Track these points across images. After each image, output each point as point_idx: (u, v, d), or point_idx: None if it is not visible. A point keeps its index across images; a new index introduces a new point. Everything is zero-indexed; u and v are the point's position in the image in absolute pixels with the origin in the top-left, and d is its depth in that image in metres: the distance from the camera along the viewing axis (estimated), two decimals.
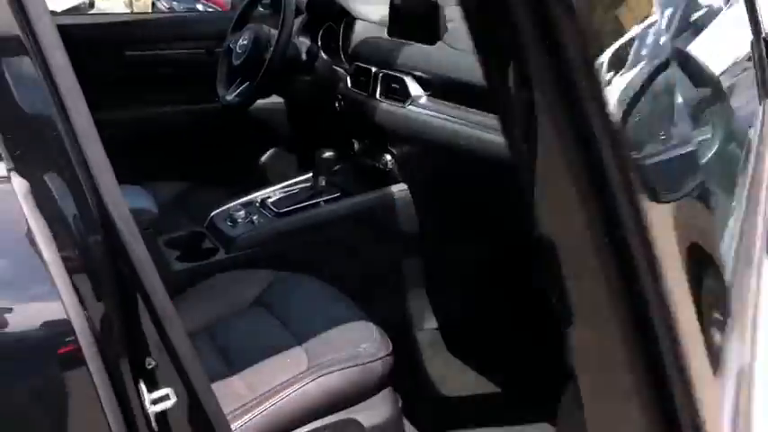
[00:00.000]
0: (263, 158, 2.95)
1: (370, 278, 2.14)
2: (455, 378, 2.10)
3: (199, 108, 2.77)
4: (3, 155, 1.04)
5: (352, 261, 2.07)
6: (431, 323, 2.27)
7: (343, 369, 1.44)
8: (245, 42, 2.29)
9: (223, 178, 2.83)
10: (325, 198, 2.10)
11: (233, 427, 1.31)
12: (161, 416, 0.94)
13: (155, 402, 0.94)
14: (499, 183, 1.78)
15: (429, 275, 2.23)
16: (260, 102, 2.86)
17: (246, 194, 2.17)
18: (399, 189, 2.11)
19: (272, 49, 2.15)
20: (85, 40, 2.57)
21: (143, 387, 0.93)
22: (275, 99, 2.78)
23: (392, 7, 2.09)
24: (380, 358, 1.48)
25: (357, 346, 1.50)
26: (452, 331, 2.26)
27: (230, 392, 1.42)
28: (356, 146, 2.25)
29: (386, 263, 2.16)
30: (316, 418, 1.40)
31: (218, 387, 1.43)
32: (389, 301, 2.19)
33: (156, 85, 2.73)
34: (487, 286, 2.32)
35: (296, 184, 2.18)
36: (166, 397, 0.94)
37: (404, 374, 2.03)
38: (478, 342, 2.23)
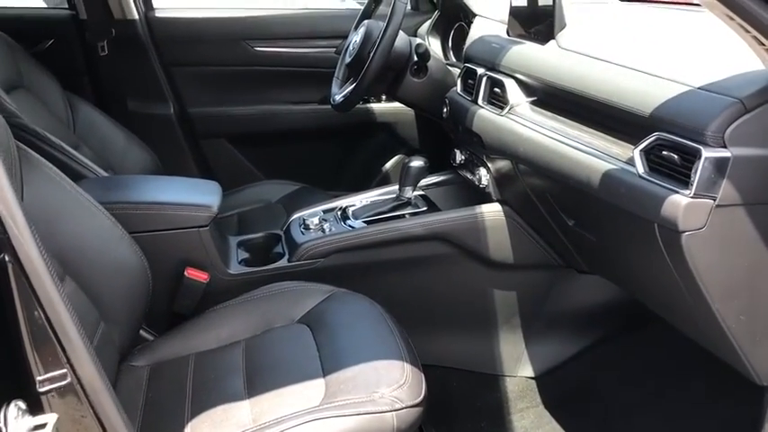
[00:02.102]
0: (388, 165, 2.81)
1: (449, 307, 1.89)
2: None
3: (325, 109, 2.68)
4: None
5: (426, 283, 1.83)
6: (525, 370, 1.95)
7: (349, 415, 1.23)
8: (357, 39, 2.14)
9: (343, 183, 2.73)
10: (409, 211, 1.88)
11: None
12: None
13: (32, 430, 0.80)
14: (598, 214, 1.47)
15: (526, 313, 1.91)
16: (388, 105, 2.74)
17: (333, 200, 2.02)
18: (493, 210, 1.82)
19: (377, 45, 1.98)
20: (213, 34, 2.59)
21: (18, 408, 0.80)
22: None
23: (511, 1, 1.81)
24: (399, 409, 1.25)
25: (378, 388, 1.28)
26: (550, 384, 1.93)
27: (231, 417, 1.31)
28: (458, 156, 1.99)
29: (471, 292, 1.88)
30: None
31: (225, 410, 1.34)
32: (472, 339, 1.91)
33: (284, 83, 2.69)
34: (600, 335, 1.95)
35: (383, 194, 1.98)
36: (42, 426, 0.80)
37: (484, 427, 1.79)
38: (580, 401, 1.87)
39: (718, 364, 1.47)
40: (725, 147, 1.06)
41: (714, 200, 1.07)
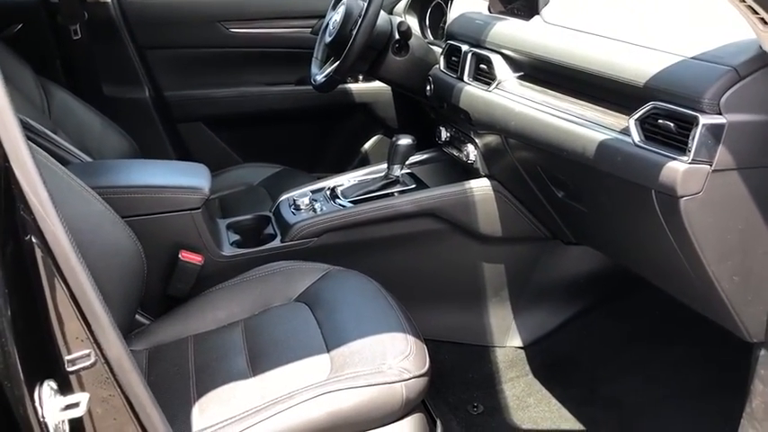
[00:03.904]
0: (367, 145, 2.82)
1: (441, 281, 1.92)
2: (534, 406, 1.82)
3: (303, 90, 2.67)
4: None
5: (418, 259, 1.85)
6: (514, 340, 2.00)
7: (360, 386, 1.25)
8: (337, 18, 2.13)
9: (323, 164, 2.73)
10: (398, 189, 1.90)
11: None
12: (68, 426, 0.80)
13: (65, 409, 0.80)
14: (592, 185, 1.51)
15: (515, 285, 1.95)
16: (366, 85, 2.74)
17: (320, 180, 2.02)
18: (482, 185, 1.85)
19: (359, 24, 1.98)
20: (187, 16, 2.56)
21: (50, 388, 0.79)
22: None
23: None
24: (408, 379, 1.27)
25: (385, 359, 1.30)
26: (539, 353, 1.98)
27: (239, 395, 1.31)
28: (443, 134, 2.02)
29: (461, 266, 1.91)
30: None
31: (232, 388, 1.34)
32: (464, 310, 1.95)
33: (260, 64, 2.67)
34: (586, 304, 2.01)
35: (371, 173, 2.00)
36: (75, 405, 0.80)
37: (477, 396, 1.83)
38: (568, 368, 1.93)
39: (701, 328, 1.54)
40: (720, 113, 1.10)
41: (711, 165, 1.11)
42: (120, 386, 0.87)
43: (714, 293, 1.25)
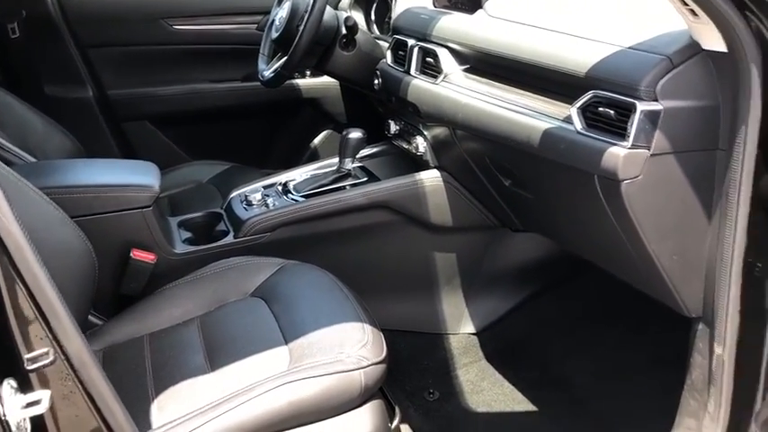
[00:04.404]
0: (316, 141, 2.82)
1: (394, 272, 1.95)
2: (488, 390, 1.87)
3: (250, 86, 2.66)
4: None
5: (372, 251, 1.88)
6: (467, 327, 2.05)
7: (320, 375, 1.27)
8: (283, 14, 2.14)
9: (272, 160, 2.73)
10: (350, 182, 1.92)
11: (184, 430, 1.18)
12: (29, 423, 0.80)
13: (26, 406, 0.80)
14: (537, 173, 1.56)
15: (466, 273, 2.00)
16: (314, 80, 2.75)
17: (271, 176, 2.03)
18: (432, 176, 1.89)
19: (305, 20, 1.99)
20: (129, 13, 2.52)
21: (10, 387, 0.79)
22: (330, 78, 2.64)
23: None
24: (366, 366, 1.30)
25: (343, 349, 1.32)
26: (491, 338, 2.03)
27: (198, 390, 1.32)
28: (392, 127, 2.05)
29: (414, 257, 1.95)
30: (282, 429, 1.23)
31: (190, 384, 1.35)
32: (417, 300, 1.99)
33: (206, 61, 2.65)
34: (535, 289, 2.07)
35: (323, 167, 2.01)
36: (36, 403, 0.80)
37: (433, 383, 1.87)
38: (519, 352, 1.99)
39: (644, 307, 1.61)
40: (656, 100, 1.16)
41: (649, 149, 1.17)
42: (81, 382, 0.87)
43: (655, 272, 1.31)
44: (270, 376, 1.29)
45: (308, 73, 2.71)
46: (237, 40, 2.65)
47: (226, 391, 1.27)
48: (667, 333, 1.47)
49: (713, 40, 1.11)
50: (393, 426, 1.42)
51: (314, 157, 2.77)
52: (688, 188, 1.21)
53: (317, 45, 2.09)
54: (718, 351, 1.27)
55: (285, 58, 2.07)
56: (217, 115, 2.69)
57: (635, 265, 1.37)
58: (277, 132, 2.80)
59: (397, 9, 2.08)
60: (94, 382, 0.87)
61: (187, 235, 1.85)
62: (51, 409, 0.82)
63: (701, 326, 1.32)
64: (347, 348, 1.32)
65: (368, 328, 1.39)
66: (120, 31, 2.51)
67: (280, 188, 1.96)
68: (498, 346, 2.00)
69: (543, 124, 1.36)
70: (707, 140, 1.18)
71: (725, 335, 1.25)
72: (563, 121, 1.33)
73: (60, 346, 0.84)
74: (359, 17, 2.52)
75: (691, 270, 1.29)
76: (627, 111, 1.18)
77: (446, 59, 1.73)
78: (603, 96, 1.23)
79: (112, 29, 2.50)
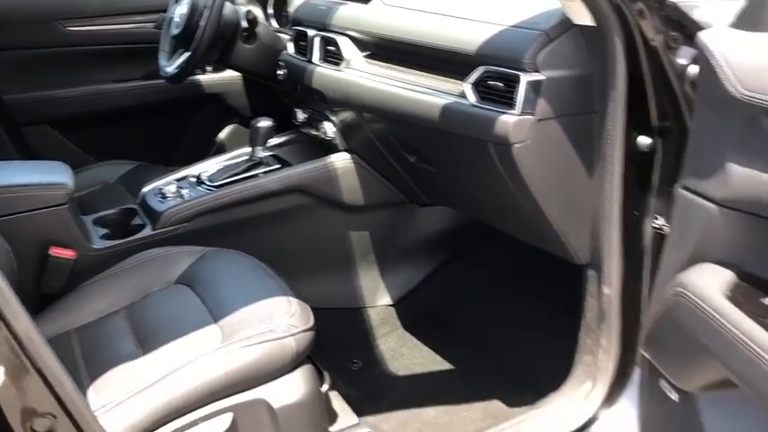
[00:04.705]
0: (222, 135, 2.86)
1: (312, 253, 2.04)
2: (408, 355, 1.99)
3: (151, 84, 2.67)
4: None
5: (290, 234, 1.96)
6: (384, 299, 2.17)
7: (253, 345, 1.34)
8: (183, 11, 2.17)
9: (178, 157, 2.74)
10: (263, 170, 1.99)
11: (124, 407, 1.22)
12: None
13: None
14: (439, 147, 1.69)
15: (379, 249, 2.12)
16: (216, 75, 2.79)
17: (182, 170, 2.07)
18: (341, 158, 1.99)
19: (206, 15, 2.04)
20: (20, 16, 2.47)
21: None
22: (232, 72, 2.69)
23: None
24: (296, 333, 1.38)
25: (272, 320, 1.40)
26: (407, 307, 2.16)
27: (133, 373, 1.35)
28: (299, 115, 2.13)
29: (329, 237, 2.05)
30: (219, 398, 1.30)
31: (124, 368, 1.38)
32: (335, 277, 2.09)
33: (105, 61, 2.63)
34: (444, 259, 2.21)
35: (234, 157, 2.07)
36: None
37: (355, 354, 1.98)
38: (435, 318, 2.13)
39: (544, 265, 1.78)
40: (538, 71, 1.31)
41: (534, 115, 1.32)
42: (29, 358, 0.91)
43: (547, 226, 1.47)
44: (204, 353, 1.35)
45: (210, 69, 2.74)
46: (135, 39, 2.65)
47: (161, 371, 1.32)
48: (566, 286, 1.62)
49: (582, 16, 1.26)
50: (324, 389, 1.51)
51: (220, 151, 2.78)
52: (570, 148, 1.37)
53: (219, 39, 2.14)
54: (607, 291, 1.44)
55: (188, 53, 2.12)
56: (120, 115, 2.68)
57: (530, 222, 1.53)
58: (182, 129, 2.81)
59: (295, 2, 2.17)
60: (43, 357, 0.92)
61: (104, 231, 1.86)
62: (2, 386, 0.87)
63: (590, 271, 1.49)
64: (276, 319, 1.39)
65: (293, 300, 1.47)
66: (12, 35, 2.46)
67: (193, 180, 2.00)
68: (414, 314, 2.13)
69: (441, 100, 1.49)
70: (583, 105, 1.35)
71: (611, 276, 1.42)
72: (458, 96, 1.46)
73: (7, 324, 0.89)
74: (257, 11, 2.58)
75: (578, 222, 1.45)
76: (513, 82, 1.33)
77: (347, 47, 1.83)
78: (492, 71, 1.37)
79: (4, 32, 2.44)
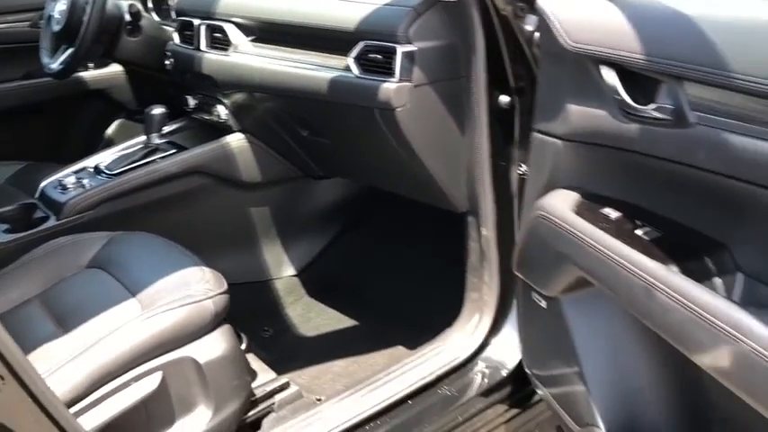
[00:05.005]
0: (109, 131, 2.87)
1: (216, 231, 2.14)
2: (315, 319, 2.14)
3: (34, 83, 2.64)
4: None
5: (193, 215, 2.06)
6: (288, 270, 2.30)
7: (174, 308, 1.44)
8: (63, 7, 2.20)
9: (67, 155, 2.73)
10: (160, 156, 2.07)
11: (57, 375, 1.30)
12: None
13: None
14: (330, 119, 1.84)
15: (280, 223, 2.25)
16: (99, 71, 2.79)
17: (78, 162, 2.10)
18: (236, 139, 2.10)
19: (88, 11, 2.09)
20: None
21: None
22: (116, 68, 2.71)
23: None
24: (213, 296, 1.49)
25: (189, 287, 1.50)
26: (311, 276, 2.31)
27: (56, 350, 1.40)
28: (191, 102, 2.22)
29: (232, 215, 2.16)
30: (147, 360, 1.39)
31: (46, 348, 1.43)
32: (240, 253, 2.20)
33: None
34: (341, 227, 2.38)
35: (130, 146, 2.13)
36: None
37: (266, 322, 2.10)
38: (337, 283, 2.29)
39: (433, 222, 1.97)
40: (411, 43, 1.50)
41: (411, 82, 1.51)
42: None
43: (432, 181, 1.67)
44: (127, 321, 1.43)
45: (92, 65, 2.75)
46: (10, 39, 2.61)
47: (87, 342, 1.38)
48: (453, 234, 1.82)
49: None
50: (243, 347, 1.64)
51: (109, 146, 2.80)
52: (444, 109, 1.58)
53: (103, 33, 2.19)
54: (485, 233, 1.65)
55: (72, 48, 2.15)
56: (3, 116, 2.64)
57: (416, 180, 1.72)
58: (68, 126, 2.80)
59: None
60: None
61: (5, 227, 1.88)
62: None
63: (470, 217, 1.70)
64: (193, 285, 1.49)
65: (206, 269, 1.57)
66: None
67: (92, 170, 2.05)
68: (318, 281, 2.28)
69: (328, 75, 1.65)
70: (452, 71, 1.55)
71: (487, 220, 1.64)
72: (344, 70, 1.62)
73: None
74: (138, 6, 2.62)
75: (456, 174, 1.66)
76: (391, 54, 1.51)
77: (233, 33, 1.94)
78: (371, 45, 1.55)
79: None
